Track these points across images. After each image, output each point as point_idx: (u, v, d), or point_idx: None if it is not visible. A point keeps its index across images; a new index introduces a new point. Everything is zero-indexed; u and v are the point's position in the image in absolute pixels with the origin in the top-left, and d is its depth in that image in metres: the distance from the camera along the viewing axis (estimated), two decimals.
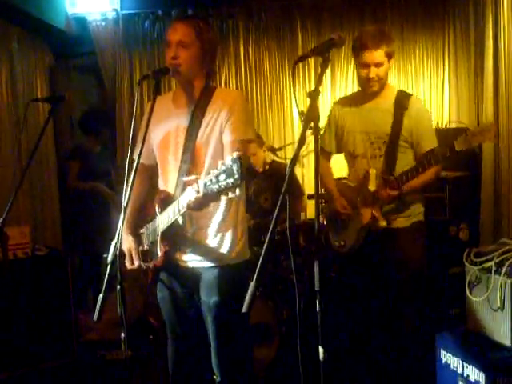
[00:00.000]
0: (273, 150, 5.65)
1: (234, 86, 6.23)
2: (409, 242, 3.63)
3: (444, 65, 6.06)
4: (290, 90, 6.25)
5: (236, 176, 2.14)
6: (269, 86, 6.29)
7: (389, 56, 3.51)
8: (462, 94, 5.79)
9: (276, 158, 5.70)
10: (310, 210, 5.87)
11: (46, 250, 4.46)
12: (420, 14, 6.05)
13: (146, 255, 2.98)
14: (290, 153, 6.08)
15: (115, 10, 6.08)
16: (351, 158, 3.75)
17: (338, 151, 3.89)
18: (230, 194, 2.21)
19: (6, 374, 4.02)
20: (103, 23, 6.14)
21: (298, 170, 5.62)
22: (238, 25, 6.21)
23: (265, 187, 5.19)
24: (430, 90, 6.08)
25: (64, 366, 4.28)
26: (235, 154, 2.15)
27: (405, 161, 3.59)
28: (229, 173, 2.15)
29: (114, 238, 2.49)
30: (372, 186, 3.57)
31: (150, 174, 3.13)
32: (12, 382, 4.05)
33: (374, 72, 3.50)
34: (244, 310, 1.97)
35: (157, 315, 5.04)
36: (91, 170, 5.58)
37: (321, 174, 3.80)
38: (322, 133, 3.85)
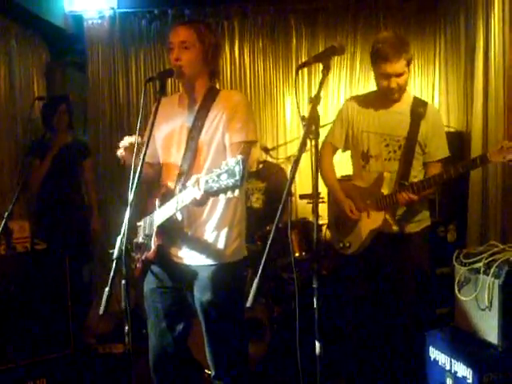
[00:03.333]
0: (266, 150, 5.73)
1: (228, 85, 6.27)
2: (419, 246, 3.69)
3: (434, 70, 6.13)
4: (284, 90, 6.33)
5: (237, 177, 2.22)
6: (262, 87, 6.33)
7: (408, 63, 3.49)
8: (452, 99, 5.85)
9: (269, 158, 5.79)
10: (300, 209, 5.97)
11: (45, 244, 4.52)
12: (413, 19, 6.12)
13: (139, 247, 3.03)
14: (282, 153, 6.17)
15: (112, 8, 6.11)
16: (363, 158, 3.70)
17: (345, 149, 3.86)
18: (229, 194, 2.28)
19: (4, 366, 4.07)
20: (100, 21, 6.18)
21: (289, 169, 5.69)
22: (233, 25, 6.24)
23: (257, 187, 5.27)
24: (420, 95, 6.13)
25: (61, 358, 4.33)
26: (239, 157, 2.23)
27: (419, 166, 3.63)
28: (230, 173, 2.23)
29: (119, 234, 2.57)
30: (385, 190, 3.57)
31: (153, 171, 3.19)
32: (10, 374, 4.09)
33: (394, 82, 3.49)
34: (248, 304, 2.05)
35: None
36: (55, 167, 5.18)
37: (325, 172, 3.83)
38: (331, 126, 3.85)
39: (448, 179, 3.39)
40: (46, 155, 5.10)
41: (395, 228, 3.60)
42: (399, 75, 3.48)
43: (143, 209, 3.06)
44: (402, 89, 3.56)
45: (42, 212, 5.27)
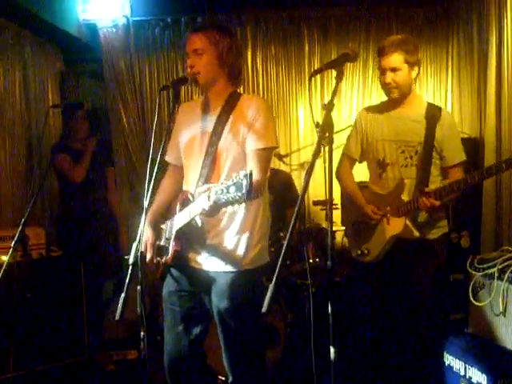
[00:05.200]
0: (279, 157, 5.75)
1: (241, 92, 6.28)
2: (438, 253, 3.66)
3: (447, 76, 6.15)
4: (297, 97, 6.33)
5: (243, 191, 2.22)
6: (275, 93, 6.34)
7: (409, 63, 3.47)
8: (465, 106, 5.82)
9: (282, 165, 5.80)
10: (314, 215, 5.97)
11: (60, 251, 4.54)
12: (425, 26, 6.15)
13: (160, 250, 3.04)
14: (295, 159, 6.18)
15: (126, 16, 6.14)
16: (379, 166, 3.70)
17: (362, 159, 3.87)
18: (235, 207, 2.30)
19: (21, 372, 4.10)
20: (113, 29, 6.21)
21: (302, 176, 5.71)
22: (246, 32, 6.26)
23: None
24: (433, 101, 6.08)
25: (76, 365, 4.36)
26: (249, 170, 2.23)
27: (436, 171, 3.60)
28: (238, 186, 2.23)
29: (135, 240, 2.59)
30: (406, 197, 3.54)
31: (181, 175, 3.19)
32: (25, 380, 4.12)
33: (389, 77, 3.48)
34: (263, 310, 2.05)
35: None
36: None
37: (345, 180, 3.85)
38: (347, 138, 3.87)
39: (472, 184, 3.33)
40: (75, 157, 4.99)
41: (416, 234, 3.55)
42: (394, 70, 3.47)
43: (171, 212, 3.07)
44: (399, 87, 3.53)
45: (66, 220, 5.12)
